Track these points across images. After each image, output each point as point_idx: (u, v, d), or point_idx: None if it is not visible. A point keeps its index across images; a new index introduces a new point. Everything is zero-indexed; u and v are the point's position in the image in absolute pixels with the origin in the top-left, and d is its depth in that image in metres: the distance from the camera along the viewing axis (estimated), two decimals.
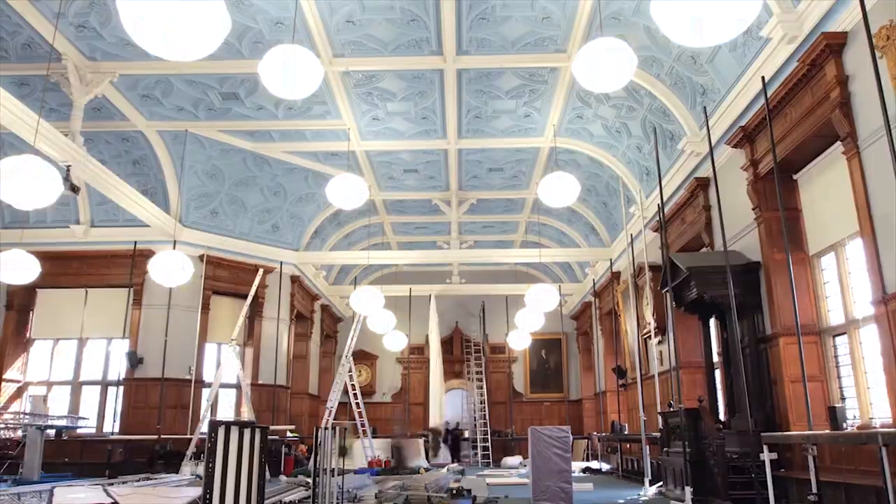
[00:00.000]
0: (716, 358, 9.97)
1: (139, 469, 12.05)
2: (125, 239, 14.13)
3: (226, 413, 15.12)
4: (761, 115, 8.04)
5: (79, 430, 13.75)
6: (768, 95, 7.71)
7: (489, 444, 18.93)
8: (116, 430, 13.40)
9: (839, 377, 7.56)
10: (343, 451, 11.62)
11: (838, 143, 7.01)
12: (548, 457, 7.86)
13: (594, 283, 17.89)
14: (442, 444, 18.36)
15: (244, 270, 15.36)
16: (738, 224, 9.16)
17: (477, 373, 20.80)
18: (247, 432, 5.01)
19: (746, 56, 8.37)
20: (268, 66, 6.47)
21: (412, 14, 9.48)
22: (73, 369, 14.63)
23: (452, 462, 17.66)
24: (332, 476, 6.44)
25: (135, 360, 13.67)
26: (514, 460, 17.05)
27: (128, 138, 12.96)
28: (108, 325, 14.31)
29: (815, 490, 6.10)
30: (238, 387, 14.99)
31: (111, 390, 14.16)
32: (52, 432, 12.65)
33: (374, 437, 15.90)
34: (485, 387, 20.27)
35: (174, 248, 12.32)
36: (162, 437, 12.75)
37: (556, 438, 7.94)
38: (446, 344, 22.01)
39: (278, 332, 15.89)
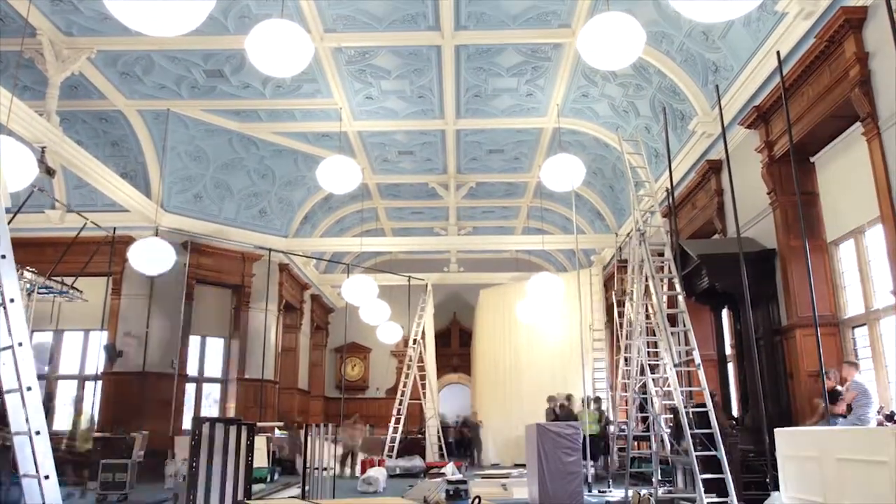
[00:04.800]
0: (728, 350, 10.01)
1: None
2: (104, 224, 14.06)
3: (209, 409, 15.17)
4: (776, 93, 8.04)
5: (54, 427, 13.77)
6: (784, 74, 7.70)
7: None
8: (94, 427, 13.41)
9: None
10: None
11: (858, 123, 7.02)
12: (556, 457, 7.61)
13: (601, 272, 17.90)
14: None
15: (230, 258, 15.37)
16: (752, 209, 9.17)
17: None
18: (232, 429, 5.04)
19: (761, 32, 8.35)
20: (255, 41, 6.45)
21: None
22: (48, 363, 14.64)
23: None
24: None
25: (113, 353, 13.65)
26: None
27: (106, 118, 12.92)
28: (86, 316, 14.28)
29: None
30: (223, 381, 15.07)
31: (88, 385, 14.17)
32: None
33: (371, 436, 15.95)
34: None
35: (156, 234, 12.30)
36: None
37: (565, 436, 7.74)
38: (444, 336, 22.03)
39: (266, 324, 15.90)
